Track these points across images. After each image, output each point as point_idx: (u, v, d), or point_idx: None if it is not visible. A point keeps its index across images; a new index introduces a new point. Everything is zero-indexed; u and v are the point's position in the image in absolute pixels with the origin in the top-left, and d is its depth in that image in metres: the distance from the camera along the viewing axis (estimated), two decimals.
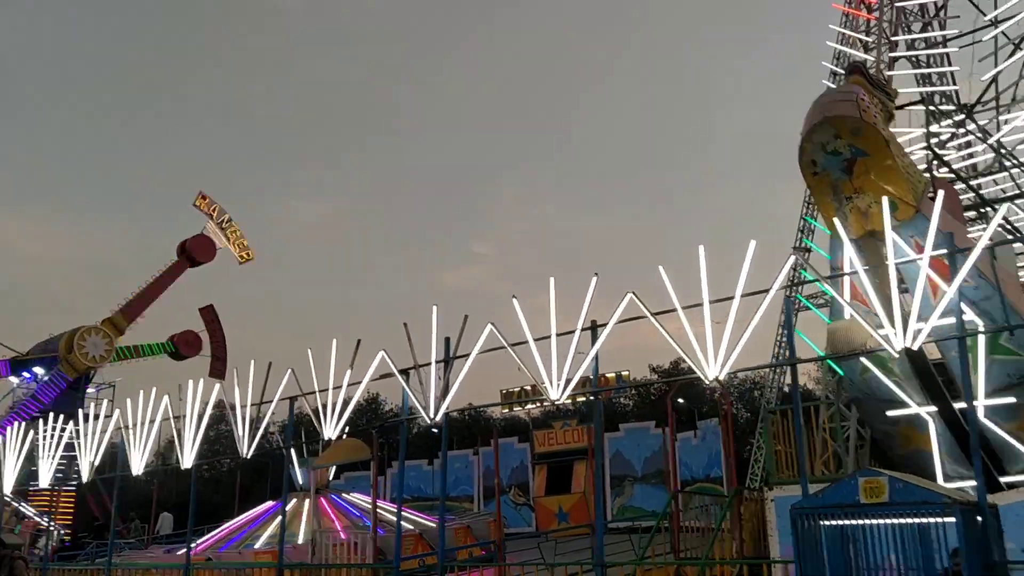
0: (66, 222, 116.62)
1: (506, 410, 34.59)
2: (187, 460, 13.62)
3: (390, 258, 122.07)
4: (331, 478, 23.41)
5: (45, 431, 18.05)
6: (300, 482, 22.66)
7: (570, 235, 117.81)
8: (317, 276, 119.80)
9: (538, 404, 32.57)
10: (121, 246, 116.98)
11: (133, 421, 14.63)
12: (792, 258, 8.82)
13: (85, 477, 16.53)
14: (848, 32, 20.74)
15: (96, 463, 16.40)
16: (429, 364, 11.00)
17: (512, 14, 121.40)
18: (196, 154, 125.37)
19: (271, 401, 12.81)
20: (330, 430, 11.86)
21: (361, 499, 22.74)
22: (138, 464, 14.54)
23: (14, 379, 32.96)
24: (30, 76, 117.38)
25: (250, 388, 12.90)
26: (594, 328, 10.11)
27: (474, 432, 37.26)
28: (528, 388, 30.98)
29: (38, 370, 32.00)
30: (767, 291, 8.49)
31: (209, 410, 13.71)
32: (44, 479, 17.72)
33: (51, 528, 26.97)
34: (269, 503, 22.40)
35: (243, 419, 12.97)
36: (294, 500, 21.88)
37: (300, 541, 19.42)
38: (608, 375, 27.37)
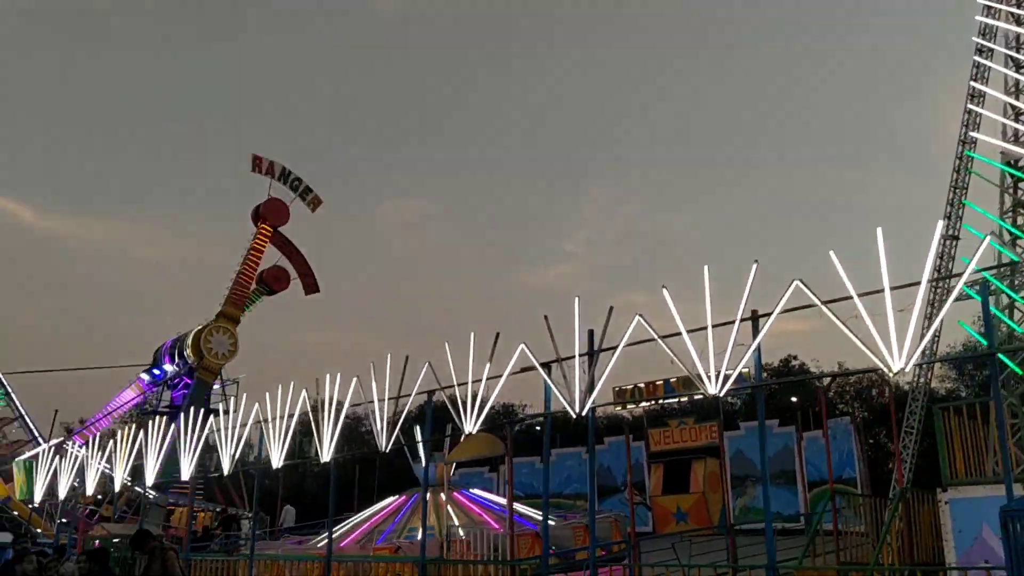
0: (170, 226, 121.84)
1: (618, 408, 34.05)
2: (326, 454, 13.72)
3: (478, 257, 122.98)
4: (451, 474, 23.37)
5: (186, 426, 18.60)
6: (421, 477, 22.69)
7: (661, 231, 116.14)
8: (407, 276, 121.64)
9: (652, 402, 31.86)
10: (222, 244, 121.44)
11: (272, 415, 14.85)
12: (987, 239, 8.03)
13: (227, 470, 16.86)
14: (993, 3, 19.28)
15: (236, 456, 16.63)
16: (572, 357, 10.68)
17: (600, 9, 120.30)
18: (288, 155, 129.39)
19: (408, 395, 12.76)
20: (469, 424, 11.70)
21: (486, 495, 22.70)
22: (278, 458, 14.76)
23: (145, 376, 34.48)
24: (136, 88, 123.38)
25: (340, 388, 12.90)
26: (755, 319, 9.58)
27: (578, 431, 36.93)
28: (641, 386, 30.48)
29: (168, 367, 33.34)
30: (958, 275, 7.81)
31: (347, 404, 13.71)
32: (185, 472, 17.98)
33: (241, 515, 28.03)
34: (394, 498, 22.56)
35: (381, 414, 12.96)
36: (418, 495, 22.01)
37: (433, 536, 19.48)
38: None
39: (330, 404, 13.81)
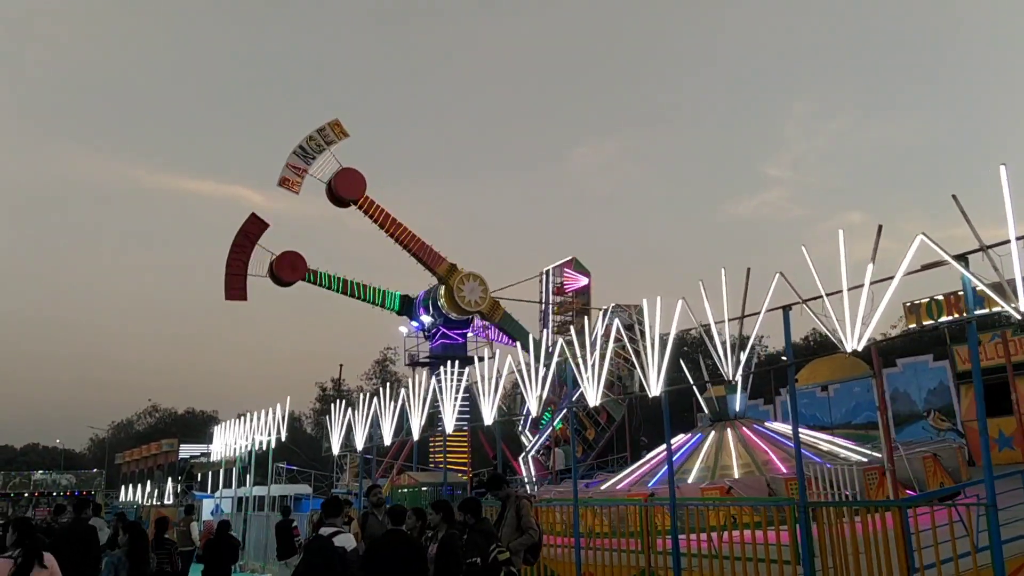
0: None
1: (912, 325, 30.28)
2: (654, 388, 12.17)
3: (678, 193, 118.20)
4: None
5: (446, 377, 17.92)
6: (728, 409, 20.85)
7: (876, 145, 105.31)
8: (606, 218, 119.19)
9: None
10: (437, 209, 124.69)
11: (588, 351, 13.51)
12: None
13: (488, 420, 16.01)
14: None
15: (495, 406, 15.95)
16: (1007, 242, 8.18)
17: None
18: (475, 119, 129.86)
19: (757, 313, 10.80)
20: (853, 342, 9.57)
21: (782, 427, 20.56)
22: (594, 395, 13.46)
23: (403, 329, 35.15)
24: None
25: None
26: None
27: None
28: (939, 298, 26.74)
29: (425, 319, 33.68)
30: None
31: (673, 332, 12.01)
32: (448, 424, 17.46)
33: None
34: (684, 435, 21.00)
35: (723, 338, 11.15)
36: (712, 432, 20.28)
37: (736, 476, 17.72)
38: None
39: (644, 334, 12.19)
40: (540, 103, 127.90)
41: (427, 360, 33.88)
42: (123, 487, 54.81)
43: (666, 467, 19.29)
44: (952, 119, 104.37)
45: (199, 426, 77.93)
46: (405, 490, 20.01)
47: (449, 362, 19.28)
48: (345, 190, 30.95)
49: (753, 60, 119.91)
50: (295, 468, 35.07)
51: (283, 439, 24.32)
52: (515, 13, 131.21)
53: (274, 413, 24.79)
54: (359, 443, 19.52)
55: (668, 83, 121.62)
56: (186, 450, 47.96)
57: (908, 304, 27.59)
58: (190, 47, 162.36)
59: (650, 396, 12.40)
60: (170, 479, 43.37)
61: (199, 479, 43.01)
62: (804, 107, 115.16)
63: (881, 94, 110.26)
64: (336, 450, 20.71)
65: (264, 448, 25.00)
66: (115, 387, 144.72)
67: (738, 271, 10.94)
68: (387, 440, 18.80)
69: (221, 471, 31.21)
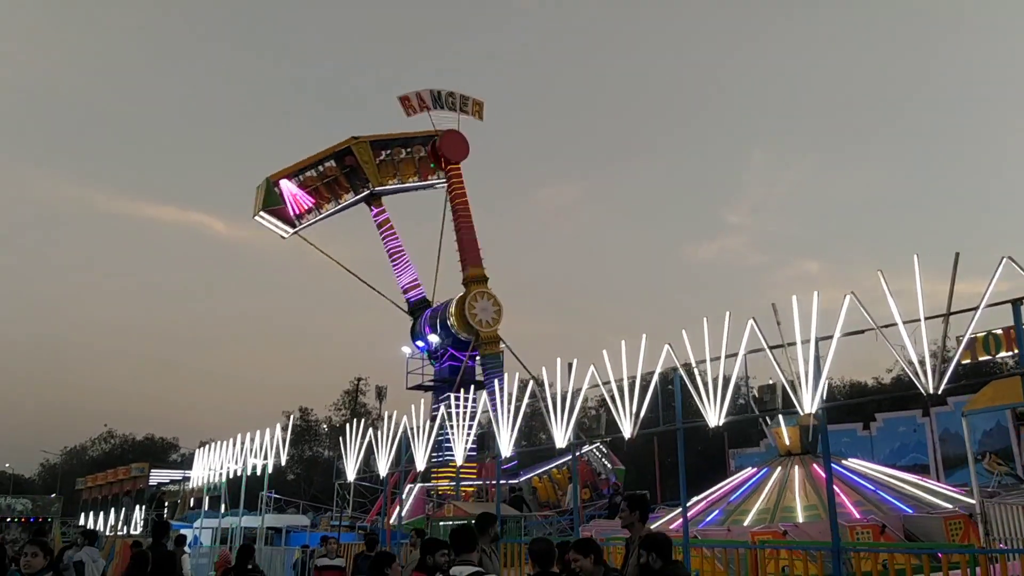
0: None
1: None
2: (627, 430, 10.25)
3: (636, 236, 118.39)
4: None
5: (456, 405, 15.87)
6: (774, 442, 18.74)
7: (833, 195, 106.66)
8: (567, 260, 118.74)
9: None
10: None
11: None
12: None
13: (506, 452, 14.43)
14: None
15: (514, 435, 14.46)
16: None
17: None
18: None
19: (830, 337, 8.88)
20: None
21: (861, 465, 18.35)
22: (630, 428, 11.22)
23: (407, 349, 32.56)
24: None
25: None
26: None
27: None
28: (998, 332, 24.88)
29: (432, 339, 31.14)
30: None
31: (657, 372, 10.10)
32: (459, 455, 15.76)
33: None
34: (749, 470, 18.70)
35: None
36: (779, 468, 18.00)
37: (801, 520, 15.40)
38: None
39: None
40: (506, 144, 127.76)
41: (432, 384, 31.30)
42: (83, 514, 51.14)
43: (718, 510, 16.97)
44: (908, 171, 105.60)
45: (159, 453, 74.08)
46: (450, 523, 17.29)
47: (462, 388, 17.50)
48: (449, 150, 31.56)
49: (714, 106, 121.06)
50: (281, 497, 32.14)
51: (283, 463, 21.63)
52: (486, 57, 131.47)
53: (271, 434, 22.13)
54: (382, 469, 17.02)
55: (632, 127, 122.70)
56: (155, 476, 44.64)
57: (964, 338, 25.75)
58: (154, 69, 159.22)
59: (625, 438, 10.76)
60: (138, 506, 40.02)
61: (166, 507, 39.94)
62: (763, 155, 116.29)
63: (839, 145, 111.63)
64: (351, 476, 18.10)
65: (259, 472, 22.27)
66: (68, 411, 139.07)
67: (700, 314, 9.73)
68: (384, 471, 16.50)
69: (205, 498, 28.21)
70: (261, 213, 30.25)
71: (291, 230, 31.00)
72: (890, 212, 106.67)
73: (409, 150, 32.64)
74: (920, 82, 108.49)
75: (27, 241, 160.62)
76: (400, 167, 32.49)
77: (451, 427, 14.86)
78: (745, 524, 15.83)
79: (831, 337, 9.05)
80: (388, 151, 32.31)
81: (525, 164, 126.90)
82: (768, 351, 9.55)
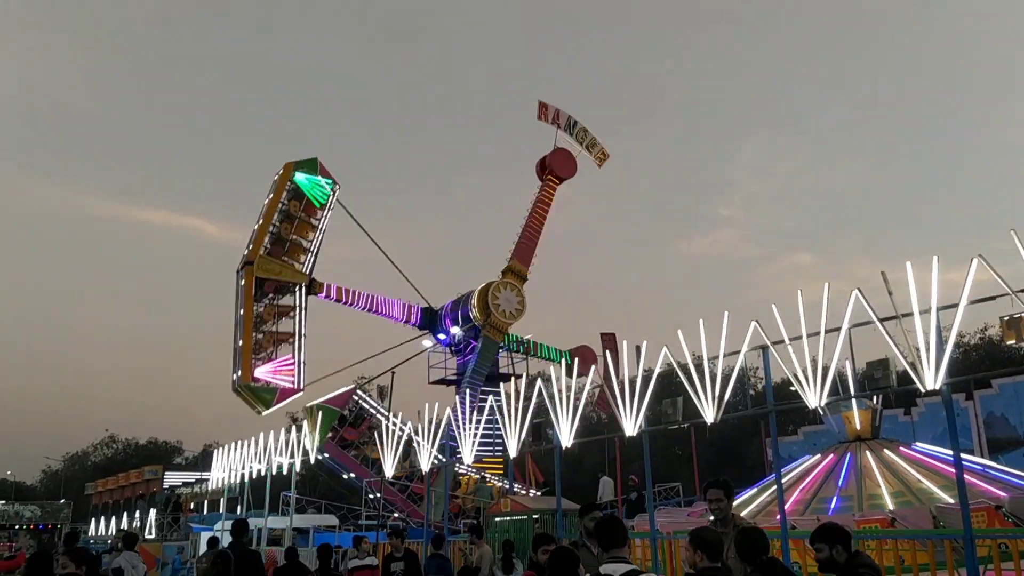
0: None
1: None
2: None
3: (632, 230, 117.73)
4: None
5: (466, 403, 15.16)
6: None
7: (823, 187, 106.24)
8: (558, 254, 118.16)
9: None
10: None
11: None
12: None
13: (514, 452, 14.06)
14: None
15: (523, 434, 13.99)
16: None
17: None
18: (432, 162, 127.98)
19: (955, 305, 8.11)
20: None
21: (932, 449, 17.59)
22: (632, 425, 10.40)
23: (427, 342, 31.68)
24: None
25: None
26: None
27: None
28: None
29: (455, 330, 30.31)
30: None
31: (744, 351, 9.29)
32: (467, 456, 15.65)
33: None
34: (813, 457, 17.94)
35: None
36: (847, 454, 17.21)
37: (892, 507, 14.62)
38: None
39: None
40: (496, 141, 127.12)
41: (455, 378, 30.47)
42: (93, 519, 50.24)
43: (798, 493, 16.12)
44: (900, 164, 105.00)
45: (163, 456, 72.88)
46: (507, 518, 16.40)
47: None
48: (560, 167, 33.31)
49: (705, 99, 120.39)
50: (301, 497, 31.25)
51: (312, 460, 20.82)
52: (474, 57, 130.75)
53: (298, 432, 21.31)
54: (423, 464, 16.21)
55: (622, 121, 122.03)
56: (169, 479, 43.76)
57: (1007, 318, 24.91)
58: (146, 73, 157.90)
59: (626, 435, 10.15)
60: (153, 510, 39.13)
61: (182, 509, 39.04)
62: (754, 148, 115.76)
63: (830, 138, 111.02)
64: (389, 473, 17.27)
65: (285, 471, 21.44)
66: (68, 418, 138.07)
67: (695, 308, 8.92)
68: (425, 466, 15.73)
69: (223, 500, 27.34)
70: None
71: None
72: (882, 203, 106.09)
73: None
74: (911, 73, 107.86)
75: (21, 245, 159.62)
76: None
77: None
78: (830, 513, 14.95)
79: (956, 306, 8.26)
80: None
81: (516, 159, 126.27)
82: (879, 323, 8.72)
